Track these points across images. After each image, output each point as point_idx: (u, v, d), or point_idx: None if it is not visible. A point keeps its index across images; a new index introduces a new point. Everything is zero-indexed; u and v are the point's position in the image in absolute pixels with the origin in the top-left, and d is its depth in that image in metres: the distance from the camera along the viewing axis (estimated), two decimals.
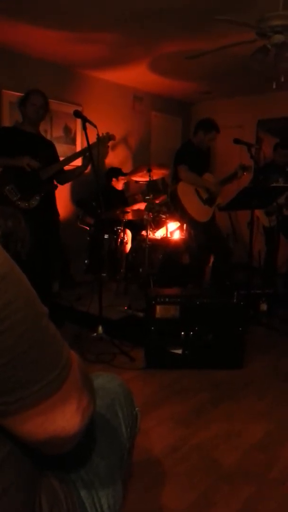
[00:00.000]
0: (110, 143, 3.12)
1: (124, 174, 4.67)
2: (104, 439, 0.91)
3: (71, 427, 0.61)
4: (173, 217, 4.46)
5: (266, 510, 1.52)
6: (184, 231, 4.36)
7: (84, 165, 3.15)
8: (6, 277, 0.53)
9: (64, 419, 0.60)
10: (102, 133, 3.01)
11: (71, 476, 0.80)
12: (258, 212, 4.04)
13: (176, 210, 3.99)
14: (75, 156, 3.16)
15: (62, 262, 4.13)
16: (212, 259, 4.24)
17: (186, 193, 3.82)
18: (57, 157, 3.22)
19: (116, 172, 4.75)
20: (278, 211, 4.03)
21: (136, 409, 1.08)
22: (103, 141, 3.01)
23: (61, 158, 3.23)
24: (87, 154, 2.92)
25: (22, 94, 3.08)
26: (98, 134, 2.95)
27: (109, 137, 3.05)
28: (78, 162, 3.27)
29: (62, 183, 3.26)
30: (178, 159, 3.86)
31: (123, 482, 0.91)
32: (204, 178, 3.92)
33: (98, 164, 2.86)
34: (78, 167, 3.25)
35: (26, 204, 2.91)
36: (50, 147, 3.19)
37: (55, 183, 3.15)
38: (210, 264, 4.26)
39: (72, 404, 0.61)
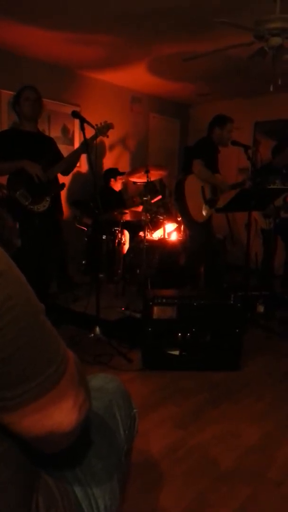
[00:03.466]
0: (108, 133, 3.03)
1: (122, 174, 4.67)
2: (101, 440, 0.91)
3: (68, 423, 0.62)
4: (171, 218, 4.46)
5: (263, 511, 1.52)
6: (182, 232, 4.36)
7: (81, 149, 3.04)
8: (4, 273, 0.54)
9: (61, 415, 0.61)
10: (100, 123, 2.95)
11: (68, 477, 0.80)
12: (256, 214, 4.04)
13: (177, 203, 3.93)
14: (77, 152, 3.08)
15: (60, 262, 4.12)
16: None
17: (192, 189, 3.76)
18: (58, 152, 3.16)
19: (114, 172, 4.74)
20: (276, 213, 4.05)
21: (134, 410, 1.07)
22: (102, 131, 2.96)
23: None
24: (85, 143, 2.85)
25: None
26: (96, 125, 2.89)
27: (108, 125, 2.97)
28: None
29: (64, 174, 3.18)
30: (195, 153, 3.79)
31: (120, 483, 0.90)
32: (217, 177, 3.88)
33: (96, 165, 2.84)
34: (73, 152, 3.17)
35: (38, 207, 2.89)
36: (50, 144, 3.14)
37: (61, 182, 3.10)
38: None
39: (69, 400, 0.62)
